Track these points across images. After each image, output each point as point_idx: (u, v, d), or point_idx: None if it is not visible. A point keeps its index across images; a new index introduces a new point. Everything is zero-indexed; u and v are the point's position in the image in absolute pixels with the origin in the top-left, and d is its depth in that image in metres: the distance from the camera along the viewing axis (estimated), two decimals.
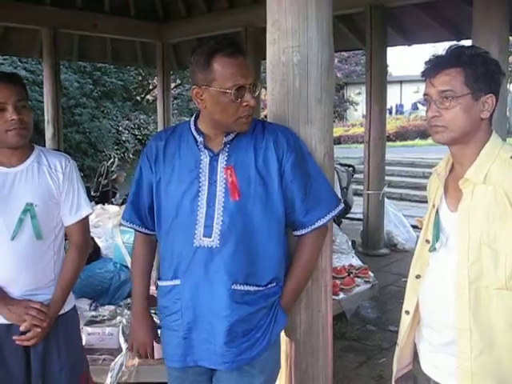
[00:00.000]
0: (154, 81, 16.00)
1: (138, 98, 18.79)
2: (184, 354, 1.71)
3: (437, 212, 1.55)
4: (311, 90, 1.85)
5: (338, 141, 18.98)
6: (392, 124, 19.55)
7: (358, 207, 6.97)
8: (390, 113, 24.07)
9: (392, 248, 6.42)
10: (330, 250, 1.97)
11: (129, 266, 3.36)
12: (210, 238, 1.65)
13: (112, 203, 6.18)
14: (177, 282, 1.71)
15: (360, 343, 3.91)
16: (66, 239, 2.04)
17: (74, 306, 2.06)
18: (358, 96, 25.10)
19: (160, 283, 1.80)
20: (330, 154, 1.93)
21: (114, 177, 7.36)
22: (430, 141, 15.03)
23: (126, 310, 3.12)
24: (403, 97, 26.88)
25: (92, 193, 6.90)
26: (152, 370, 2.74)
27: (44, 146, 6.42)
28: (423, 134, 18.50)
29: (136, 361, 2.77)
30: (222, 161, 1.68)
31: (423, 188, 1.94)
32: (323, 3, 1.85)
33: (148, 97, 19.13)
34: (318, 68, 1.86)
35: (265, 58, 1.97)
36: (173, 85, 14.93)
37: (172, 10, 8.06)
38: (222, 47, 1.59)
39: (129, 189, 1.86)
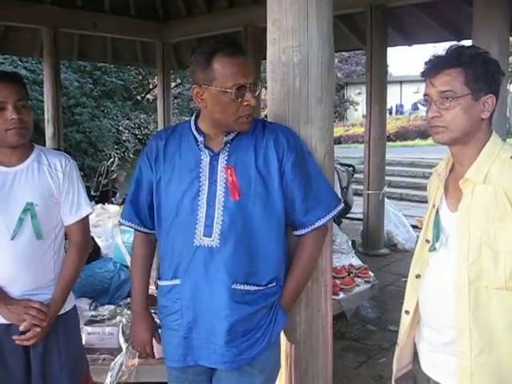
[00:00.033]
0: (155, 80, 16.00)
1: (139, 97, 18.80)
2: (184, 354, 1.72)
3: (437, 212, 1.55)
4: (311, 90, 1.85)
5: (338, 141, 18.99)
6: (392, 124, 19.56)
7: (358, 207, 6.97)
8: (390, 113, 24.07)
9: (392, 248, 6.42)
10: (330, 250, 1.97)
11: (129, 265, 3.36)
12: (210, 237, 1.65)
13: (112, 203, 6.20)
14: (177, 281, 1.71)
15: (360, 343, 3.91)
16: (66, 239, 2.04)
17: (74, 305, 2.06)
18: (358, 96, 25.11)
19: (160, 283, 1.80)
20: (330, 153, 1.93)
21: (114, 176, 7.36)
22: (430, 141, 15.04)
23: (125, 310, 3.12)
24: (403, 97, 26.89)
25: (92, 192, 6.91)
26: (152, 369, 2.74)
27: (44, 145, 6.41)
28: (423, 134, 18.51)
29: (136, 360, 2.77)
30: (222, 160, 1.68)
31: (423, 188, 1.94)
32: (323, 3, 1.85)
33: (148, 96, 19.14)
34: (319, 68, 1.86)
35: (265, 58, 1.97)
36: (173, 84, 14.94)
37: (172, 9, 8.06)
38: (223, 47, 1.59)
39: (129, 188, 1.86)
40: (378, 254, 6.19)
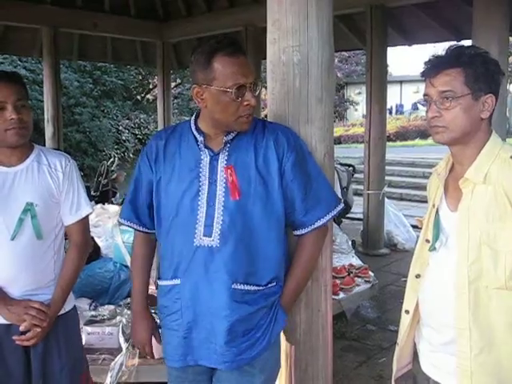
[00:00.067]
0: (155, 80, 16.01)
1: (138, 97, 18.80)
2: (184, 354, 1.71)
3: (437, 212, 1.55)
4: (311, 90, 1.85)
5: (338, 140, 18.99)
6: (392, 124, 19.56)
7: (358, 207, 6.97)
8: (390, 113, 24.08)
9: (392, 248, 6.42)
10: (330, 250, 1.97)
11: (129, 265, 3.36)
12: (210, 237, 1.65)
13: (112, 203, 6.20)
14: (177, 281, 1.71)
15: (360, 343, 3.91)
16: (66, 239, 2.04)
17: (74, 305, 2.06)
18: (358, 96, 25.11)
19: (160, 283, 1.80)
20: (330, 153, 1.93)
21: (113, 176, 7.36)
22: (430, 141, 15.04)
23: (125, 310, 3.12)
24: (403, 97, 26.89)
25: (92, 192, 6.91)
26: (152, 369, 2.74)
27: (44, 145, 6.41)
28: (423, 134, 18.52)
29: (136, 360, 2.77)
30: (222, 160, 1.68)
31: (423, 188, 1.94)
32: (323, 3, 1.85)
33: (148, 96, 19.14)
34: (319, 67, 1.85)
35: (265, 58, 1.97)
36: (173, 84, 14.94)
37: (172, 9, 8.06)
38: (223, 46, 1.59)
39: (128, 188, 1.86)
40: (378, 254, 6.19)
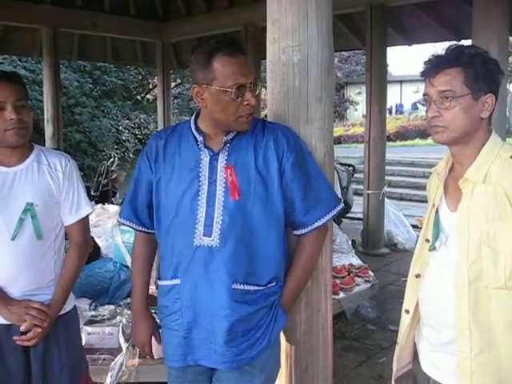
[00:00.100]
0: (154, 80, 16.00)
1: (138, 97, 18.80)
2: (184, 354, 1.72)
3: (437, 211, 1.55)
4: (311, 89, 1.85)
5: (338, 140, 18.99)
6: (392, 124, 19.56)
7: (358, 207, 6.97)
8: (390, 113, 24.07)
9: (392, 247, 6.42)
10: (330, 250, 1.97)
11: (129, 265, 3.36)
12: (210, 237, 1.65)
13: (112, 203, 6.20)
14: (177, 281, 1.71)
15: (360, 342, 3.91)
16: (66, 239, 2.04)
17: (75, 306, 2.06)
18: (358, 96, 25.11)
19: (160, 283, 1.80)
20: (330, 153, 1.93)
21: (113, 176, 7.36)
22: (429, 141, 15.03)
23: (125, 310, 3.12)
24: (403, 97, 26.89)
25: (92, 192, 6.91)
26: (152, 369, 2.74)
27: (44, 145, 6.40)
28: (423, 134, 18.51)
29: (136, 360, 2.77)
30: (221, 160, 1.68)
31: (423, 188, 1.94)
32: (323, 2, 1.85)
33: (148, 96, 19.14)
34: (318, 67, 1.85)
35: (265, 58, 1.97)
36: (173, 84, 14.93)
37: (172, 9, 8.06)
38: (222, 46, 1.59)
39: (128, 188, 1.86)
40: (378, 254, 6.19)
